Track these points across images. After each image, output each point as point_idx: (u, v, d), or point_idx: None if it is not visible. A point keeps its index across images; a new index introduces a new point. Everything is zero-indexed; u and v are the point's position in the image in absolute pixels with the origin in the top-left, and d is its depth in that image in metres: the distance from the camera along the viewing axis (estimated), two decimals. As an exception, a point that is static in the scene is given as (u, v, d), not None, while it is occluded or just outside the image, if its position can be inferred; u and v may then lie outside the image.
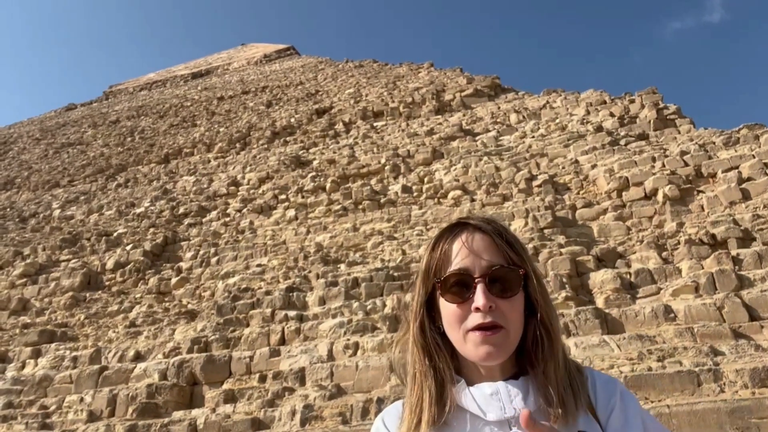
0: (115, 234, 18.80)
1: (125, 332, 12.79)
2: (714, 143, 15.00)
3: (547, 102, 21.77)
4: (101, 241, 18.32)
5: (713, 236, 11.29)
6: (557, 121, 19.93)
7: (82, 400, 10.70)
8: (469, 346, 1.43)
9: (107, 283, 16.15)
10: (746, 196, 12.68)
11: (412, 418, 1.48)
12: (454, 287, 1.47)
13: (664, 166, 14.47)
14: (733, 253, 10.73)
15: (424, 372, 1.51)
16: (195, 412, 9.85)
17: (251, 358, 10.94)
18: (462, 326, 1.44)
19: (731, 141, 14.86)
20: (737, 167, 13.49)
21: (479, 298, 1.42)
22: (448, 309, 1.48)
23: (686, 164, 14.28)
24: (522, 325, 1.48)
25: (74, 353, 12.22)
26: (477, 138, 20.12)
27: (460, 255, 1.49)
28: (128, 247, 17.41)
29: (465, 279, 1.46)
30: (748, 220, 11.58)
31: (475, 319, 1.42)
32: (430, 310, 1.55)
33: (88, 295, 15.47)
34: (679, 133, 17.17)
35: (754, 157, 13.58)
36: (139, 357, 11.68)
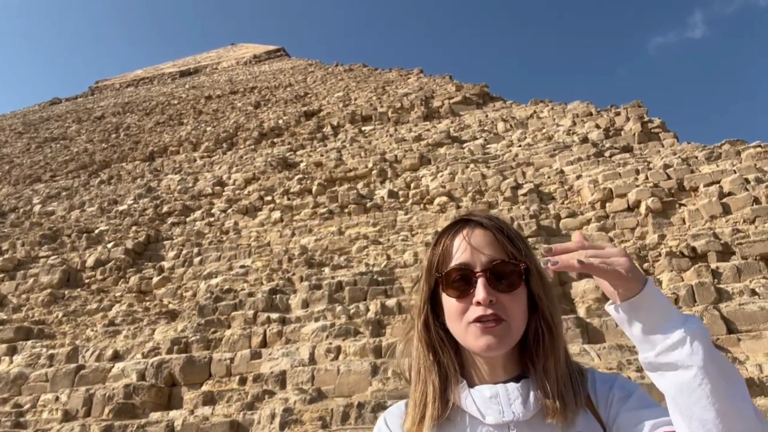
0: (96, 231, 18.54)
1: (104, 331, 12.61)
2: (696, 157, 15.24)
3: (534, 112, 21.96)
4: (82, 238, 18.06)
5: (694, 249, 11.45)
6: (544, 131, 20.11)
7: (57, 399, 10.52)
8: (470, 338, 1.45)
9: (87, 281, 15.92)
10: (727, 210, 12.88)
11: (416, 413, 1.50)
12: (455, 282, 1.48)
13: (647, 178, 14.66)
14: (713, 266, 10.89)
15: (428, 367, 1.53)
16: (173, 413, 9.72)
17: (232, 360, 10.84)
18: (464, 319, 1.46)
19: (713, 156, 15.12)
20: (719, 182, 13.72)
21: (480, 291, 1.44)
22: (450, 303, 1.50)
23: (669, 177, 14.48)
24: (525, 320, 1.49)
25: (51, 351, 12.01)
26: (464, 145, 20.22)
27: (460, 250, 1.51)
28: (109, 245, 17.18)
29: (466, 273, 1.47)
30: (728, 234, 11.77)
31: (476, 311, 1.44)
32: (435, 306, 1.57)
33: (66, 292, 15.23)
34: (663, 146, 17.42)
35: (735, 172, 13.82)
36: (117, 356, 11.51)
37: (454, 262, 1.50)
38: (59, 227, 19.34)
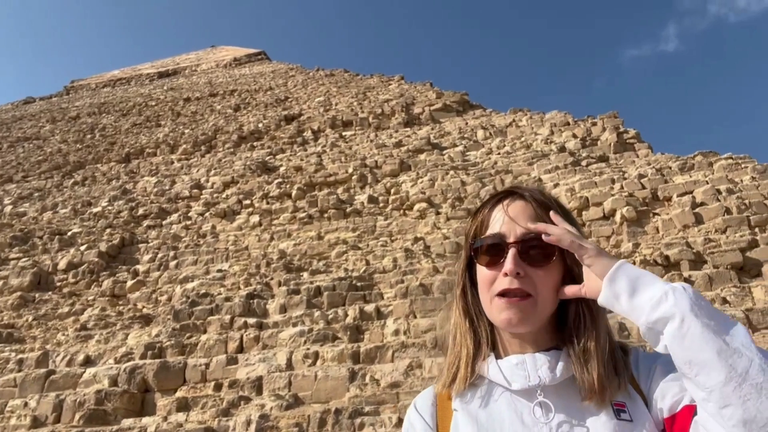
0: (69, 233, 18.16)
1: (75, 335, 12.32)
2: (670, 168, 15.57)
3: (513, 120, 22.22)
4: (54, 240, 17.66)
5: (667, 258, 11.68)
6: (522, 139, 20.35)
7: (26, 404, 10.23)
8: (494, 311, 1.44)
9: (58, 284, 15.56)
10: (699, 220, 13.18)
11: (448, 374, 1.51)
12: (488, 251, 1.47)
13: (622, 188, 14.92)
14: (686, 274, 11.12)
15: (463, 333, 1.54)
16: (146, 420, 9.54)
17: (207, 365, 10.69)
18: (491, 290, 1.45)
19: (686, 167, 15.46)
20: (691, 192, 14.03)
21: (508, 262, 1.42)
22: (481, 272, 1.49)
23: (643, 187, 14.76)
24: (555, 298, 1.45)
25: (20, 356, 11.69)
26: (444, 152, 20.34)
27: (498, 220, 1.50)
28: (82, 248, 16.83)
29: (499, 243, 1.46)
30: (700, 244, 12.03)
31: (502, 283, 1.42)
32: (473, 275, 1.56)
33: (37, 295, 14.86)
34: (638, 156, 17.76)
35: (707, 183, 14.15)
36: (88, 361, 11.26)
37: (490, 231, 1.50)
38: (31, 229, 18.89)
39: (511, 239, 1.45)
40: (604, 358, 1.40)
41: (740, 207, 12.89)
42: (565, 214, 1.51)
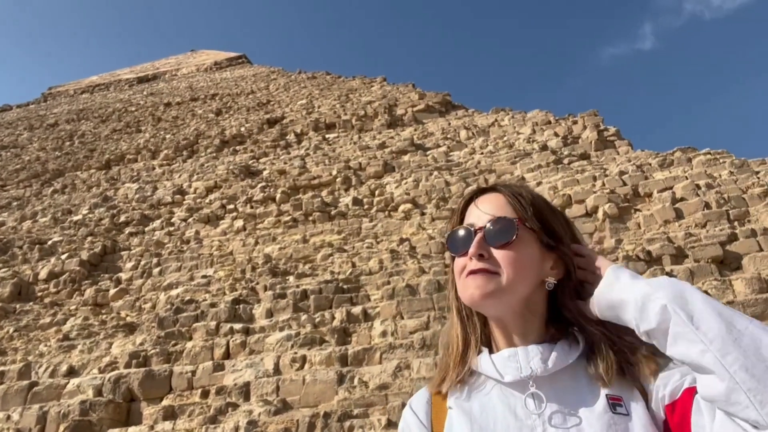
0: (49, 242, 17.87)
1: (58, 346, 12.12)
2: (650, 164, 15.79)
3: (496, 120, 22.36)
4: (34, 250, 17.37)
5: (649, 253, 11.83)
6: (505, 138, 20.49)
7: (9, 417, 10.04)
8: (462, 292, 1.49)
9: (39, 294, 15.30)
10: (679, 215, 13.37)
11: (439, 375, 1.56)
12: (459, 242, 1.52)
13: (604, 185, 15.09)
14: (667, 269, 11.28)
15: (457, 333, 1.58)
16: (132, 429, 9.42)
17: (193, 372, 10.58)
18: (461, 276, 1.49)
19: (666, 163, 15.69)
20: (671, 188, 14.23)
21: (472, 246, 1.47)
22: (456, 264, 1.54)
23: (624, 184, 14.95)
24: (528, 278, 1.46)
25: (1, 368, 11.47)
26: (428, 153, 20.40)
27: (470, 214, 1.57)
28: (63, 257, 16.57)
29: (468, 232, 1.51)
30: (681, 238, 12.21)
31: (469, 266, 1.47)
32: None
33: (18, 306, 14.59)
34: (618, 154, 17.98)
35: (687, 178, 14.37)
36: (72, 372, 11.09)
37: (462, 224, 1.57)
38: (10, 238, 18.55)
39: (477, 226, 1.50)
40: (598, 342, 1.43)
41: (719, 201, 13.11)
42: (536, 202, 1.55)
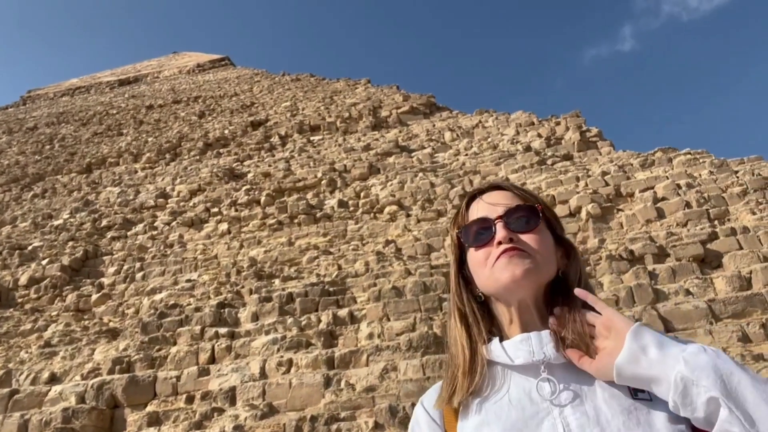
0: (29, 247, 17.57)
1: (39, 353, 11.92)
2: (632, 165, 15.99)
3: (480, 122, 22.48)
4: (14, 255, 17.06)
5: (631, 252, 11.97)
6: (489, 140, 20.61)
7: (-13, 427, 9.85)
8: (496, 274, 1.44)
9: (20, 300, 15.03)
10: (661, 214, 13.55)
11: (447, 389, 1.48)
12: (475, 234, 1.51)
13: (587, 185, 15.25)
14: (650, 268, 11.42)
15: (460, 340, 1.52)
16: (116, 436, 9.29)
17: (178, 378, 10.47)
18: (487, 264, 1.47)
19: (647, 163, 15.90)
20: (653, 188, 14.42)
21: (499, 232, 1.46)
22: (473, 257, 1.52)
23: (607, 184, 15.12)
24: (552, 260, 1.49)
25: (-21, 377, 11.24)
26: (413, 154, 20.44)
27: (479, 210, 1.55)
28: (44, 262, 16.30)
29: (485, 224, 1.50)
30: (662, 237, 12.37)
31: (498, 251, 1.45)
32: (466, 278, 1.58)
33: (-3, 313, 14.32)
34: (600, 154, 18.18)
35: (667, 178, 14.58)
36: (54, 379, 10.90)
37: (472, 218, 1.55)
38: (-12, 244, 18.20)
39: (494, 216, 1.50)
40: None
41: (699, 201, 13.31)
42: (537, 197, 1.61)
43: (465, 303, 1.55)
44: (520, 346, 1.42)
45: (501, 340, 1.49)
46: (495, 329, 1.53)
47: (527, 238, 1.46)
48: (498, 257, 1.44)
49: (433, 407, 1.51)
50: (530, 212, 1.51)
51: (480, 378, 1.43)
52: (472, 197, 1.62)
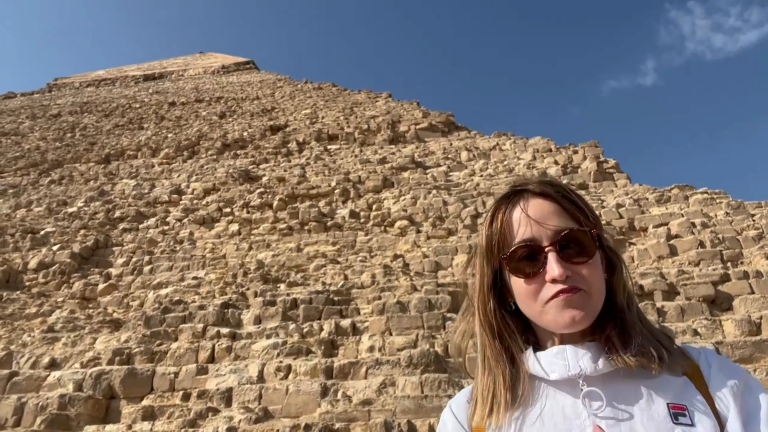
0: (42, 232, 17.76)
1: (42, 337, 11.99)
2: (647, 199, 15.88)
3: (497, 144, 22.49)
4: (26, 239, 17.25)
5: (641, 287, 11.84)
6: (505, 163, 20.59)
7: (-16, 407, 9.89)
8: (550, 316, 1.32)
9: (27, 284, 15.17)
10: (673, 251, 13.42)
11: (484, 407, 1.38)
12: (522, 261, 1.35)
13: (600, 216, 15.15)
14: (659, 305, 11.28)
15: (495, 356, 1.41)
16: (109, 427, 9.29)
17: (176, 374, 10.46)
18: (539, 300, 1.34)
19: (663, 199, 15.79)
20: (667, 224, 14.31)
21: (553, 267, 1.31)
22: (519, 285, 1.37)
23: (621, 216, 15.02)
24: (604, 288, 1.36)
25: (-19, 356, 11.33)
26: (428, 171, 20.47)
27: (522, 225, 1.37)
28: (55, 248, 16.47)
29: (533, 250, 1.34)
30: (673, 275, 12.24)
31: (552, 289, 1.31)
32: (497, 287, 1.45)
33: (5, 294, 14.46)
34: (616, 186, 18.09)
35: (683, 215, 14.45)
36: (54, 364, 10.95)
37: (517, 239, 1.37)
38: (3, 225, 18.44)
39: (545, 242, 1.34)
40: (642, 332, 1.35)
41: (714, 241, 13.18)
42: (583, 201, 1.44)
43: (499, 319, 1.43)
44: (555, 360, 1.34)
45: (536, 349, 1.42)
46: (530, 334, 1.45)
47: (582, 269, 1.32)
48: (552, 297, 1.32)
49: (467, 419, 1.43)
50: (586, 239, 1.35)
51: (522, 395, 1.35)
52: (514, 194, 1.43)
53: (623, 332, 1.34)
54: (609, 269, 1.42)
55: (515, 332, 1.43)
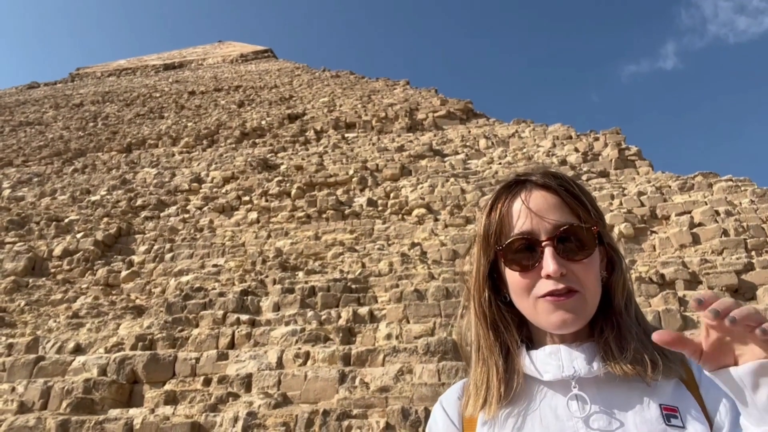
0: (66, 220, 18.12)
1: (67, 323, 12.28)
2: (670, 187, 15.60)
3: (516, 131, 22.25)
4: (51, 227, 17.62)
5: (662, 276, 11.68)
6: (524, 150, 20.38)
7: (13, 389, 10.18)
8: (541, 315, 1.31)
9: (53, 271, 15.51)
10: (696, 240, 13.19)
11: (477, 398, 1.36)
12: (518, 254, 1.33)
13: (621, 204, 14.94)
14: (680, 294, 11.12)
15: (489, 347, 1.40)
16: (132, 411, 9.50)
17: (197, 359, 10.65)
18: (531, 294, 1.31)
19: (686, 186, 15.49)
20: (690, 212, 14.05)
21: (549, 263, 1.28)
22: (514, 278, 1.35)
23: (642, 204, 14.78)
24: (599, 288, 1.33)
25: (10, 340, 11.65)
26: (446, 159, 20.36)
27: (521, 217, 1.35)
28: (79, 235, 16.79)
29: (530, 243, 1.32)
30: (696, 264, 12.04)
31: (545, 286, 1.29)
32: (493, 278, 1.43)
33: (31, 281, 14.82)
34: (638, 174, 17.80)
35: (706, 204, 14.18)
36: (78, 350, 11.22)
37: (515, 231, 1.34)
38: (28, 214, 18.85)
39: (543, 236, 1.31)
40: (639, 336, 1.32)
41: (738, 230, 12.91)
42: (587, 196, 1.40)
43: (494, 309, 1.41)
44: (549, 360, 1.33)
45: (529, 347, 1.40)
46: (525, 328, 1.42)
47: (579, 268, 1.29)
48: (544, 295, 1.29)
49: (459, 414, 1.42)
50: (586, 236, 1.31)
51: (516, 388, 1.34)
52: (516, 184, 1.41)
53: (620, 336, 1.32)
54: (609, 267, 1.39)
55: (511, 324, 1.41)
